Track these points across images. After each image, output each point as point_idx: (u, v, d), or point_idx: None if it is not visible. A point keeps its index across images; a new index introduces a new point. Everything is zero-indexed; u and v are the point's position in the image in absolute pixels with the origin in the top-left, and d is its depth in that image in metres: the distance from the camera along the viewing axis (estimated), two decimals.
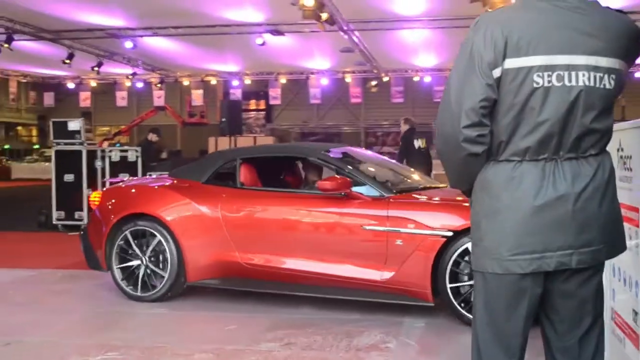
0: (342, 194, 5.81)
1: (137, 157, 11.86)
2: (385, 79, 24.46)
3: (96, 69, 21.51)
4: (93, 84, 25.92)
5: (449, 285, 5.31)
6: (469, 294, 5.21)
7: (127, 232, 6.26)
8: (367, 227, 5.62)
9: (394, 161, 8.44)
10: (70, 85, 27.08)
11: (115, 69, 23.63)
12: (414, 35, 17.40)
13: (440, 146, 2.56)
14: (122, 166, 11.79)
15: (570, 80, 2.35)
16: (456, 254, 5.29)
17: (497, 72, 2.37)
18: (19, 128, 29.90)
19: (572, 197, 2.38)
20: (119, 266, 6.27)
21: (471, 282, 5.05)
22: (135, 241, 6.24)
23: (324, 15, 13.65)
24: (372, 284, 5.59)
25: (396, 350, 4.66)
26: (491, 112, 2.42)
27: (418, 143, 12.31)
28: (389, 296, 5.60)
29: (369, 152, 8.75)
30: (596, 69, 2.36)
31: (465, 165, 2.51)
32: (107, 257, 6.32)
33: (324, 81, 24.71)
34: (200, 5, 14.98)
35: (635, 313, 3.11)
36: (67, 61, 19.82)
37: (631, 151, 3.15)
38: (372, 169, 6.70)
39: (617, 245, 2.53)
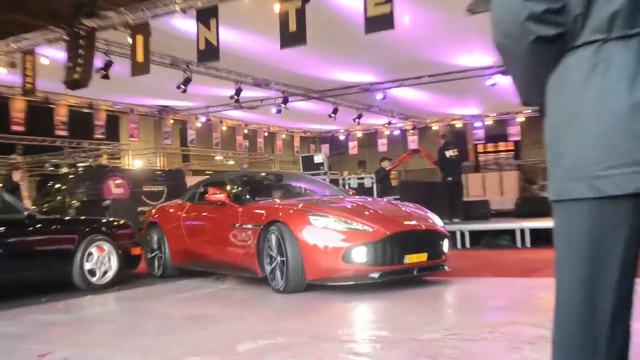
0: (219, 203, 7.21)
1: (372, 183, 11.55)
2: None
3: (357, 120, 21.83)
4: (359, 134, 26.34)
5: (266, 263, 6.31)
6: (280, 270, 6.16)
7: None
8: (234, 225, 6.85)
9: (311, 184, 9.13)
10: (341, 137, 27.81)
11: (374, 120, 23.89)
12: None
13: (498, 39, 1.65)
14: (360, 191, 11.56)
15: None
16: (273, 238, 6.25)
17: None
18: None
19: None
20: None
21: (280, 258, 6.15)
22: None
23: None
24: (240, 264, 6.71)
25: None
26: None
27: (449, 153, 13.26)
28: (244, 271, 6.73)
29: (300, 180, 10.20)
30: None
31: (533, 59, 1.60)
32: None
33: None
34: (435, 55, 15.02)
35: None
36: (332, 115, 20.39)
37: None
38: (263, 188, 8.11)
39: None
